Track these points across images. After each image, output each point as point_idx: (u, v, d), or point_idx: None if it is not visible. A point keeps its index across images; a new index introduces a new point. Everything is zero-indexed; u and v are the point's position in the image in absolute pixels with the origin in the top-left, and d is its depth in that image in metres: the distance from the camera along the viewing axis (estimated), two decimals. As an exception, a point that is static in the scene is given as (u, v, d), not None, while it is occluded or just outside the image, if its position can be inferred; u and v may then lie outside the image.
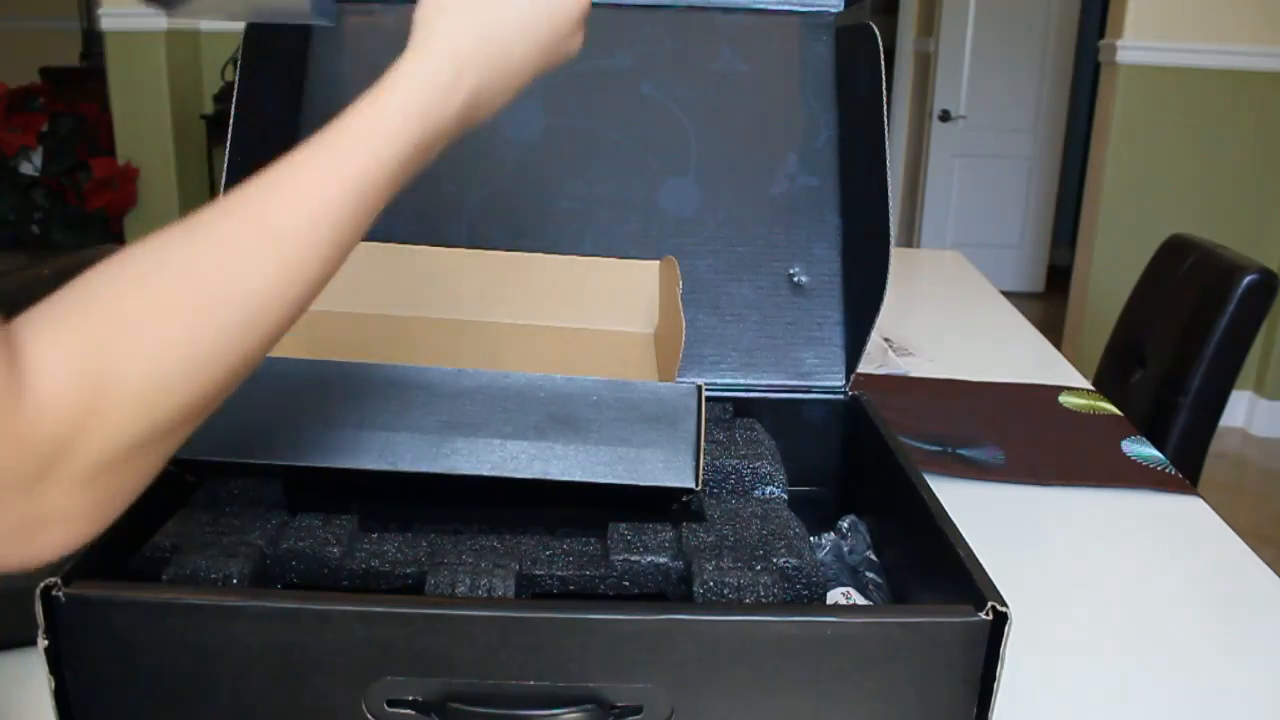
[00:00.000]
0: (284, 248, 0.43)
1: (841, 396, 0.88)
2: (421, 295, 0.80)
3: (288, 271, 0.43)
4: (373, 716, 0.53)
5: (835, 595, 0.73)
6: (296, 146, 0.47)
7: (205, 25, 3.46)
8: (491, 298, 0.68)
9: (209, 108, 3.47)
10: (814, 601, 0.64)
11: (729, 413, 0.86)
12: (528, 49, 0.51)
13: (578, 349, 0.68)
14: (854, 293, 0.91)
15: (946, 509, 0.64)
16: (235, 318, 0.41)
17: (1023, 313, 1.83)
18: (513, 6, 0.50)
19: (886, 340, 1.55)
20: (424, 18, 0.50)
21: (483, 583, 0.60)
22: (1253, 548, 0.98)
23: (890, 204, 0.84)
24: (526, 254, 0.85)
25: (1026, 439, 1.20)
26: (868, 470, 0.82)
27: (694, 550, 0.64)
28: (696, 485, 0.64)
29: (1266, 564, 0.95)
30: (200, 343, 0.40)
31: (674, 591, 0.63)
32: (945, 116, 4.92)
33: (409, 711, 0.53)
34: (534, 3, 0.51)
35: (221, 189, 0.82)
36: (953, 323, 1.75)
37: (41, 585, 0.52)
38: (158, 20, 3.25)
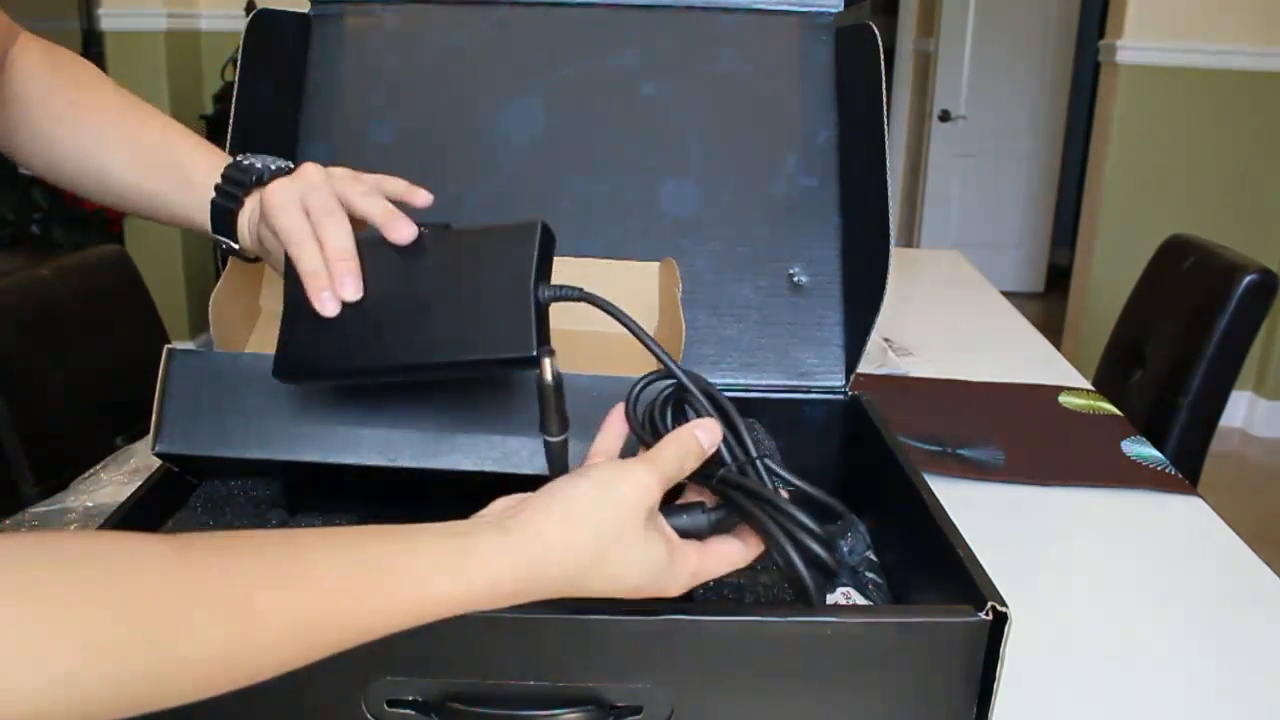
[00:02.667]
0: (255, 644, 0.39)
1: (841, 396, 0.88)
2: None
3: (237, 655, 0.39)
4: (373, 716, 0.53)
5: (835, 595, 0.73)
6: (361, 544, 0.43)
7: (205, 25, 3.45)
8: None
9: (209, 108, 3.47)
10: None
11: (729, 413, 0.86)
12: (599, 586, 0.49)
13: (577, 350, 0.67)
14: (854, 293, 0.91)
15: (946, 509, 0.64)
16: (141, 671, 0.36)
17: (1023, 313, 1.83)
18: (625, 576, 0.48)
19: (886, 340, 1.55)
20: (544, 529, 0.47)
21: (483, 583, 0.60)
22: (1253, 548, 0.98)
23: (890, 204, 0.84)
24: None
25: (1026, 439, 1.20)
26: (868, 470, 0.82)
27: (694, 550, 0.64)
28: None
29: (1266, 564, 0.95)
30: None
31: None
32: (945, 116, 4.92)
33: (409, 711, 0.53)
34: (638, 572, 0.49)
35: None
36: (953, 323, 1.75)
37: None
38: (158, 20, 3.25)
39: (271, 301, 0.83)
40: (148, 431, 0.63)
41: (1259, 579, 0.93)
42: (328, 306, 0.57)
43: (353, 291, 0.58)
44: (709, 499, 0.54)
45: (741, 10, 0.97)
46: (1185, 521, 1.03)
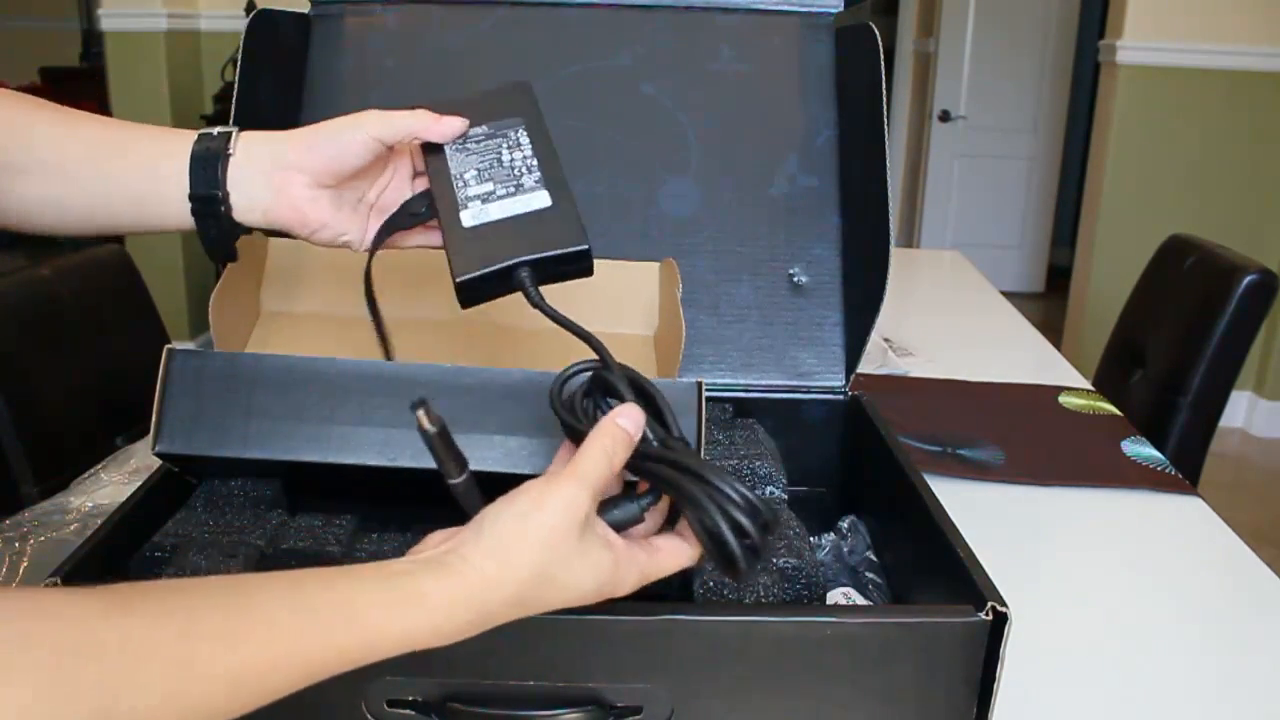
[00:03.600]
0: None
1: (841, 397, 0.88)
2: (421, 296, 0.80)
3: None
4: (373, 716, 0.53)
5: (835, 595, 0.73)
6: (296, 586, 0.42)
7: (205, 25, 3.46)
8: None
9: (209, 108, 3.47)
10: (814, 601, 0.64)
11: (729, 413, 0.86)
12: (545, 605, 0.48)
13: (578, 350, 0.67)
14: (854, 293, 0.91)
15: (946, 509, 0.64)
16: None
17: (1023, 313, 1.83)
18: (571, 589, 0.47)
19: (886, 340, 1.55)
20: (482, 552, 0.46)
21: (483, 583, 0.60)
22: (1253, 548, 0.98)
23: (890, 204, 0.84)
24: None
25: (1026, 439, 1.20)
26: (868, 470, 0.82)
27: (694, 550, 0.64)
28: None
29: (1266, 564, 0.95)
30: None
31: (674, 591, 0.63)
32: (945, 116, 4.92)
33: (409, 711, 0.53)
34: (584, 584, 0.48)
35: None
36: (953, 323, 1.75)
37: (41, 585, 0.52)
38: (158, 20, 3.25)
39: (271, 301, 0.83)
40: (148, 431, 0.63)
41: (1259, 579, 0.93)
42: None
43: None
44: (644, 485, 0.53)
45: (741, 10, 0.97)
46: (1185, 521, 1.03)
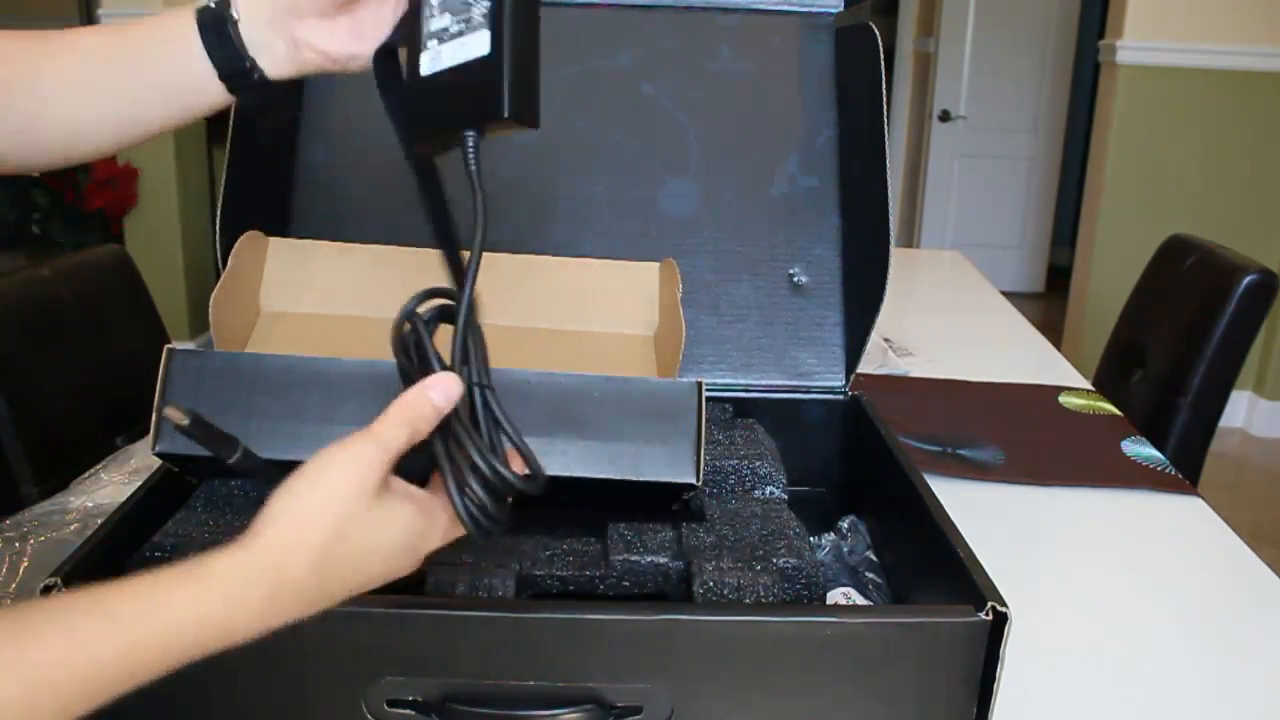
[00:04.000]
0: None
1: (841, 397, 0.88)
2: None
3: None
4: (373, 716, 0.53)
5: (835, 595, 0.73)
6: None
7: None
8: (491, 300, 0.68)
9: (209, 108, 3.46)
10: (814, 601, 0.64)
11: (729, 413, 0.86)
12: (363, 581, 0.47)
13: (578, 351, 0.67)
14: (854, 293, 0.91)
15: (946, 509, 0.64)
16: None
17: (1023, 313, 1.83)
18: (377, 549, 0.47)
19: (886, 340, 1.55)
20: (271, 518, 0.45)
21: (483, 583, 0.60)
22: (1253, 548, 0.98)
23: (890, 204, 0.84)
24: (527, 256, 0.85)
25: (1026, 439, 1.20)
26: (868, 470, 0.82)
27: (694, 550, 0.64)
28: (697, 481, 0.64)
29: (1266, 564, 0.95)
30: None
31: (674, 591, 0.63)
32: (945, 116, 4.92)
33: (409, 711, 0.53)
34: (391, 543, 0.47)
35: (221, 189, 0.82)
36: (953, 323, 1.75)
37: (41, 585, 0.52)
38: (158, 20, 3.25)
39: (271, 301, 0.83)
40: (148, 431, 0.63)
41: (1259, 579, 0.93)
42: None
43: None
44: None
45: (741, 10, 0.97)
46: (1185, 521, 1.03)
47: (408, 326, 0.52)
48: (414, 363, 0.52)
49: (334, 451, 0.46)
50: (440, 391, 0.49)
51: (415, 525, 0.48)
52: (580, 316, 0.63)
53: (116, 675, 0.41)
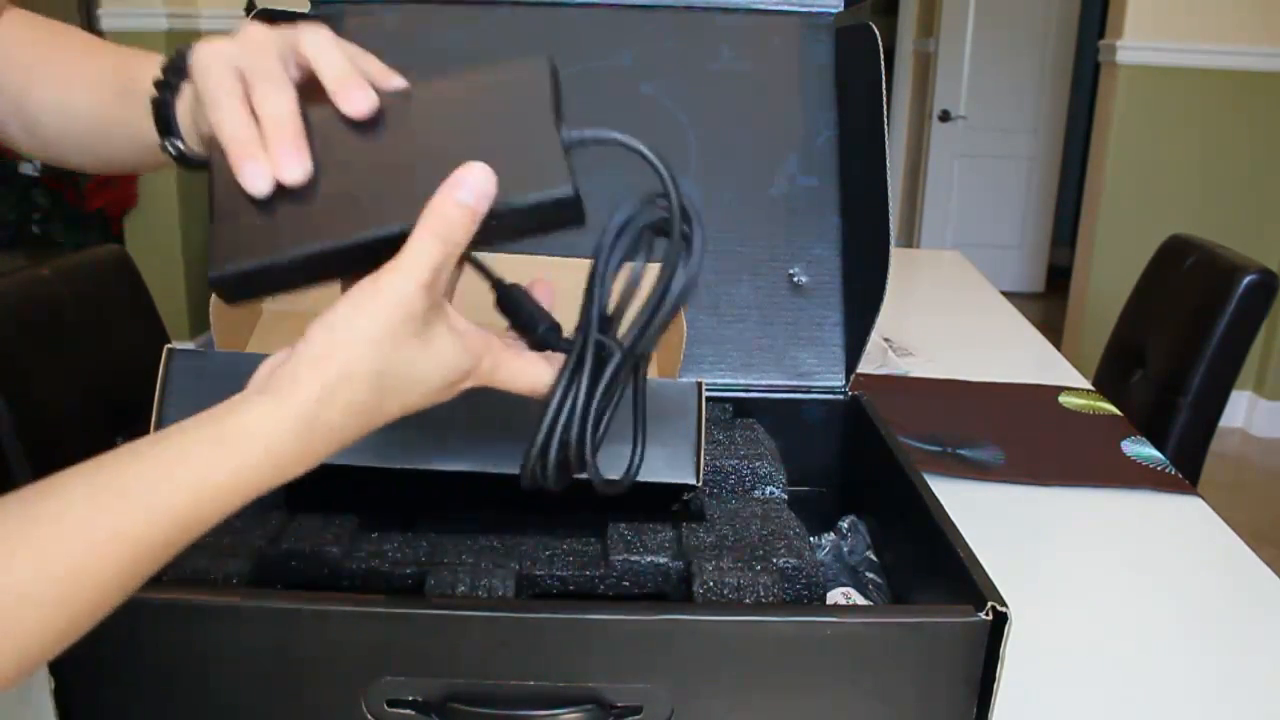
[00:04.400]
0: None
1: (841, 397, 0.88)
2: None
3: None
4: (373, 716, 0.53)
5: (835, 595, 0.73)
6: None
7: (205, 25, 3.46)
8: (486, 300, 0.68)
9: (209, 108, 3.47)
10: (814, 601, 0.64)
11: (729, 413, 0.86)
12: (397, 407, 0.46)
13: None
14: (854, 293, 0.91)
15: (946, 509, 0.64)
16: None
17: (1023, 313, 1.83)
18: (412, 383, 0.45)
19: (886, 340, 1.55)
20: (308, 357, 0.44)
21: (483, 583, 0.60)
22: (1253, 548, 0.98)
23: (890, 204, 0.84)
24: (527, 256, 0.85)
25: (1026, 439, 1.20)
26: (868, 470, 0.82)
27: (694, 550, 0.64)
28: (697, 481, 0.64)
29: (1266, 564, 0.95)
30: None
31: (674, 591, 0.63)
32: (945, 116, 4.92)
33: (409, 711, 0.53)
34: (432, 378, 0.46)
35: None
36: (953, 323, 1.75)
37: None
38: (158, 20, 3.25)
39: (272, 301, 0.83)
40: (147, 431, 0.63)
41: (1259, 579, 0.93)
42: (256, 182, 0.45)
43: (294, 166, 0.45)
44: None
45: (741, 10, 0.97)
46: (1185, 521, 1.03)
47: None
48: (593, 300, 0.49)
49: (364, 288, 0.43)
50: (468, 189, 0.44)
51: (455, 360, 0.46)
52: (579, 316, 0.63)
53: (146, 543, 0.41)
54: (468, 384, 0.48)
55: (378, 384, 0.44)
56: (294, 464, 0.44)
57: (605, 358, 0.49)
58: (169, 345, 0.64)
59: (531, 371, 0.50)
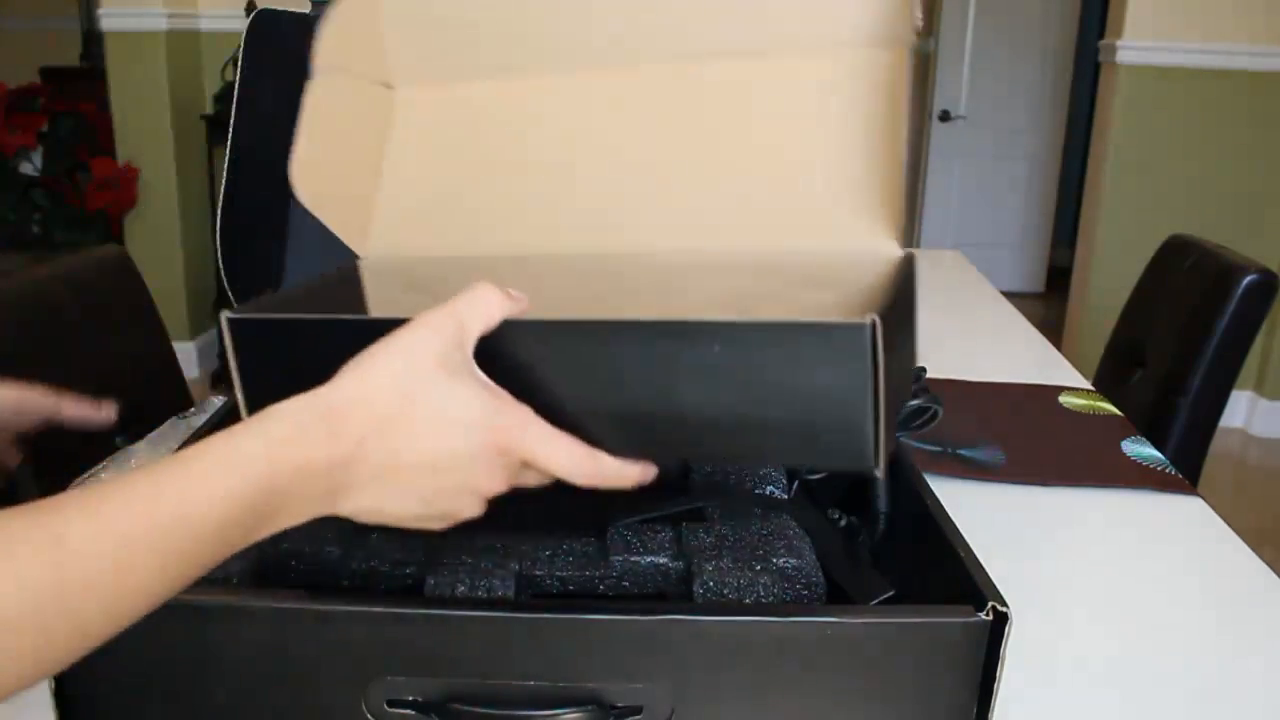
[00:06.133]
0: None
1: (841, 396, 0.88)
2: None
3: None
4: (373, 717, 0.53)
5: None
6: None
7: (205, 25, 3.46)
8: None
9: (209, 108, 3.47)
10: (814, 601, 0.64)
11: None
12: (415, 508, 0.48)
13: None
14: (854, 293, 0.91)
15: (946, 509, 0.64)
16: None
17: (1023, 313, 1.83)
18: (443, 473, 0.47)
19: (886, 340, 1.55)
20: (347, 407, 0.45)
21: (483, 583, 0.60)
22: (1253, 548, 0.98)
23: (890, 204, 0.84)
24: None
25: (1026, 439, 1.20)
26: (868, 470, 0.82)
27: (694, 550, 0.64)
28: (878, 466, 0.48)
29: (1266, 564, 0.95)
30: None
31: (674, 591, 0.63)
32: (945, 116, 4.92)
33: (409, 711, 0.53)
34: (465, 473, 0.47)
35: (222, 189, 0.82)
36: (953, 323, 1.75)
37: None
38: (158, 20, 3.25)
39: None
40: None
41: (1259, 579, 0.93)
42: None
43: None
44: None
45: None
46: (1185, 521, 1.03)
47: None
48: None
49: (408, 326, 0.48)
50: (494, 304, 0.49)
51: (483, 409, 0.47)
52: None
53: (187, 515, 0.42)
54: (499, 440, 0.47)
55: (403, 403, 0.46)
56: (323, 462, 0.45)
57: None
58: (227, 313, 0.56)
59: (570, 457, 0.49)
